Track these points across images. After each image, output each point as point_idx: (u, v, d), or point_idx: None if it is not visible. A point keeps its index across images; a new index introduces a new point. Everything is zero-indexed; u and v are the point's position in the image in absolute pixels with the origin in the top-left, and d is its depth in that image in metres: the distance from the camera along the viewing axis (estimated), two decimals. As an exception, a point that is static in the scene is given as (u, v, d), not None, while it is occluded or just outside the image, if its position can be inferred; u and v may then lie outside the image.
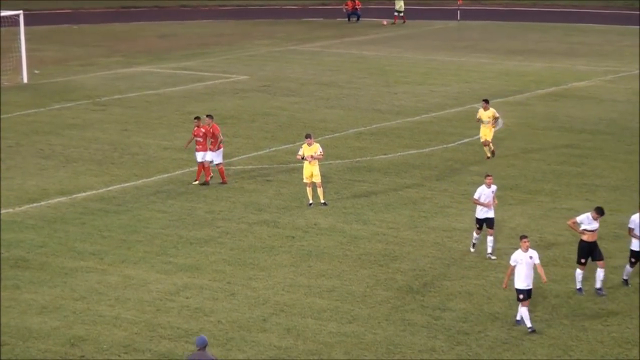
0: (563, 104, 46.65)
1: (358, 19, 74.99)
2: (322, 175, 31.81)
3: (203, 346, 18.64)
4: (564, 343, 22.12)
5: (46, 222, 29.98)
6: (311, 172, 31.24)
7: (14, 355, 21.70)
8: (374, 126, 42.07)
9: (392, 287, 25.22)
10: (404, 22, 73.83)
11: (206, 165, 33.44)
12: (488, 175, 27.51)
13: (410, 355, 21.72)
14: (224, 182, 33.42)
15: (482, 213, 27.08)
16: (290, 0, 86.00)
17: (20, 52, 52.32)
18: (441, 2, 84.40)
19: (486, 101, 36.87)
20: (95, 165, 36.07)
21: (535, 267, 22.84)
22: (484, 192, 27.07)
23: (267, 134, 40.86)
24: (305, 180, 31.46)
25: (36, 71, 54.30)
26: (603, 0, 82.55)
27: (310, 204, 31.27)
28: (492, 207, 27.05)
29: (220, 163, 33.50)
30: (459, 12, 76.17)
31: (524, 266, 22.69)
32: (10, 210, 31.17)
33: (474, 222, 27.32)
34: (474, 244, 27.50)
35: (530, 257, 22.79)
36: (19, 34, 52.68)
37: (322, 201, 31.47)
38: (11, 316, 23.52)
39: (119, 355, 21.67)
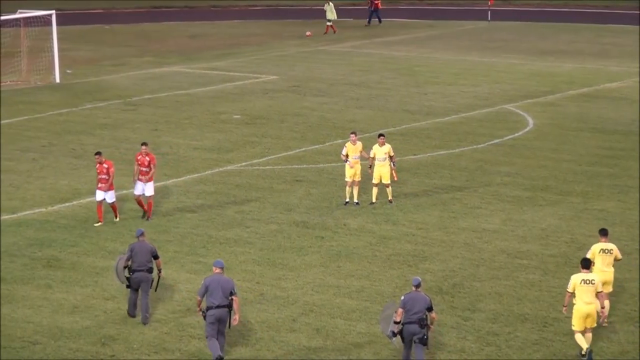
0: (595, 104, 46.41)
1: (380, 21, 74.60)
2: (352, 176, 31.86)
3: (140, 234, 22.88)
4: (595, 344, 22.01)
5: (78, 222, 30.16)
6: (355, 171, 31.29)
7: (45, 355, 21.86)
8: (404, 127, 42.03)
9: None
10: (335, 32, 69.43)
11: (142, 200, 30.22)
12: None
13: (439, 356, 21.70)
14: (148, 217, 30.04)
15: None
16: (320, 0, 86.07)
17: (52, 51, 52.67)
18: (472, 3, 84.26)
19: (381, 136, 31.47)
20: (126, 165, 36.17)
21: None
22: None
23: (296, 134, 40.91)
24: (347, 179, 31.47)
25: (68, 71, 54.63)
26: (635, 1, 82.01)
27: (347, 203, 31.31)
28: None
29: (152, 196, 30.12)
30: (489, 12, 75.96)
31: None
32: (43, 209, 31.38)
33: None
34: None
35: None
36: (51, 33, 53.00)
37: (356, 201, 31.52)
38: (43, 315, 23.69)
39: (149, 355, 21.78)
